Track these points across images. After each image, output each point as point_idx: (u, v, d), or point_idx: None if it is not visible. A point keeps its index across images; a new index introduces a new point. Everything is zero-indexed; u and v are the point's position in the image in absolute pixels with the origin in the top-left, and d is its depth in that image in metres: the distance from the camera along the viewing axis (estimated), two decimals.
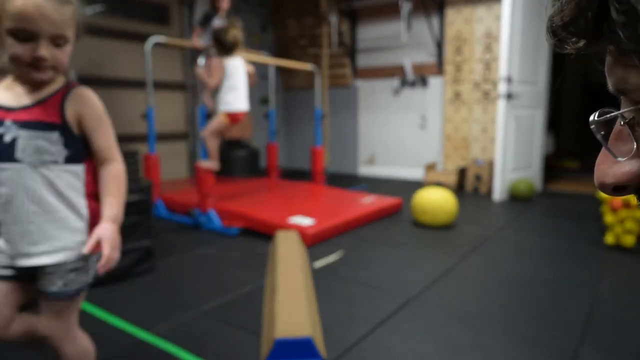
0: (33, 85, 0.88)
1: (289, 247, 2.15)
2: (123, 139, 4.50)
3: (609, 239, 2.36)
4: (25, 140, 0.86)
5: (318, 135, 4.14)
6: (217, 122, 2.81)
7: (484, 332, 1.49)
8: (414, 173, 4.92)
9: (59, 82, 0.92)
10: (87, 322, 1.53)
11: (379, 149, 5.23)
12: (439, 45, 4.54)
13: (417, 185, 4.40)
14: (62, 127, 0.89)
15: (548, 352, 1.36)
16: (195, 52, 3.85)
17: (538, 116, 4.03)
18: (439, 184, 4.19)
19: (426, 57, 4.68)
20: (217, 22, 3.47)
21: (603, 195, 2.34)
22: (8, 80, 0.90)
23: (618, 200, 2.28)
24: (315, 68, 4.14)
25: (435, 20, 4.52)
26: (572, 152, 6.07)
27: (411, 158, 4.96)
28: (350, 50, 5.14)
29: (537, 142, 4.08)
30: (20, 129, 0.86)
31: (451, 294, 1.82)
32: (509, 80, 3.59)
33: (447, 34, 4.48)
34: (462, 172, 4.28)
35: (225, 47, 2.75)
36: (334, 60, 5.16)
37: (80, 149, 0.93)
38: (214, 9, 3.57)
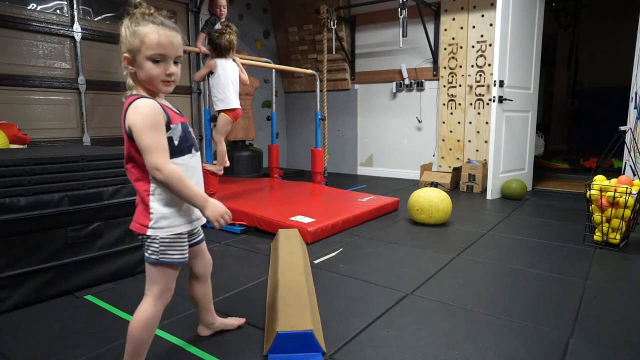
0: (159, 97, 1.16)
1: (290, 244, 2.21)
2: None
3: (597, 236, 2.44)
4: (195, 136, 1.17)
5: (318, 137, 4.23)
6: (221, 121, 2.92)
7: (477, 327, 1.51)
8: (411, 173, 5.02)
9: None
10: (97, 316, 1.61)
11: (377, 150, 5.32)
12: (435, 51, 4.64)
13: (414, 185, 4.50)
14: None
15: (539, 345, 1.39)
16: (200, 57, 3.96)
17: (529, 119, 4.13)
18: (434, 183, 4.29)
19: (422, 62, 4.78)
20: (218, 27, 3.57)
21: (591, 195, 2.43)
22: (146, 95, 1.12)
23: (605, 199, 2.36)
24: (316, 72, 4.24)
25: (431, 27, 4.63)
26: (562, 154, 6.17)
27: (408, 159, 5.06)
28: (350, 55, 5.24)
29: (528, 144, 4.18)
30: (190, 127, 1.20)
31: (446, 289, 1.84)
32: (502, 84, 3.70)
33: (442, 40, 4.58)
34: (456, 173, 4.37)
35: (218, 50, 2.86)
36: (334, 64, 5.25)
37: None
38: (213, 16, 3.70)
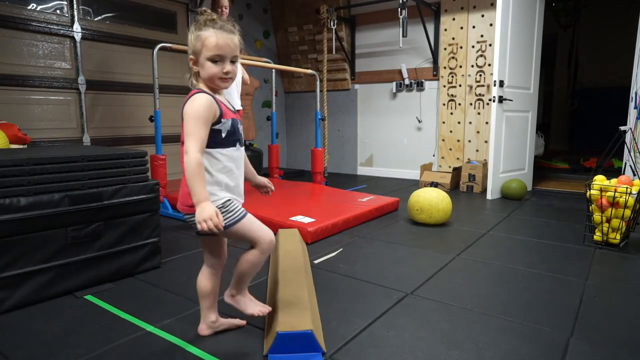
0: (219, 94, 1.31)
1: (290, 244, 2.21)
2: (132, 141, 4.60)
3: (597, 236, 2.44)
4: (242, 133, 1.36)
5: (318, 137, 4.23)
6: None
7: (477, 327, 1.51)
8: (411, 173, 5.02)
9: None
10: (97, 316, 1.61)
11: (377, 150, 5.32)
12: (435, 51, 4.64)
13: (414, 185, 4.50)
14: None
15: (539, 345, 1.39)
16: None
17: (529, 119, 4.13)
18: (434, 183, 4.29)
19: (422, 62, 4.78)
20: None
21: (591, 195, 2.43)
22: (207, 91, 1.25)
23: (605, 199, 2.36)
24: (316, 72, 4.24)
25: (431, 27, 4.63)
26: (562, 154, 6.17)
27: (408, 159, 5.06)
28: (350, 55, 5.24)
29: (528, 144, 4.18)
30: (240, 124, 1.35)
31: (446, 289, 1.84)
32: (502, 84, 3.70)
33: (443, 40, 4.58)
34: (456, 173, 4.38)
35: None
36: (334, 64, 5.26)
37: None
38: None
